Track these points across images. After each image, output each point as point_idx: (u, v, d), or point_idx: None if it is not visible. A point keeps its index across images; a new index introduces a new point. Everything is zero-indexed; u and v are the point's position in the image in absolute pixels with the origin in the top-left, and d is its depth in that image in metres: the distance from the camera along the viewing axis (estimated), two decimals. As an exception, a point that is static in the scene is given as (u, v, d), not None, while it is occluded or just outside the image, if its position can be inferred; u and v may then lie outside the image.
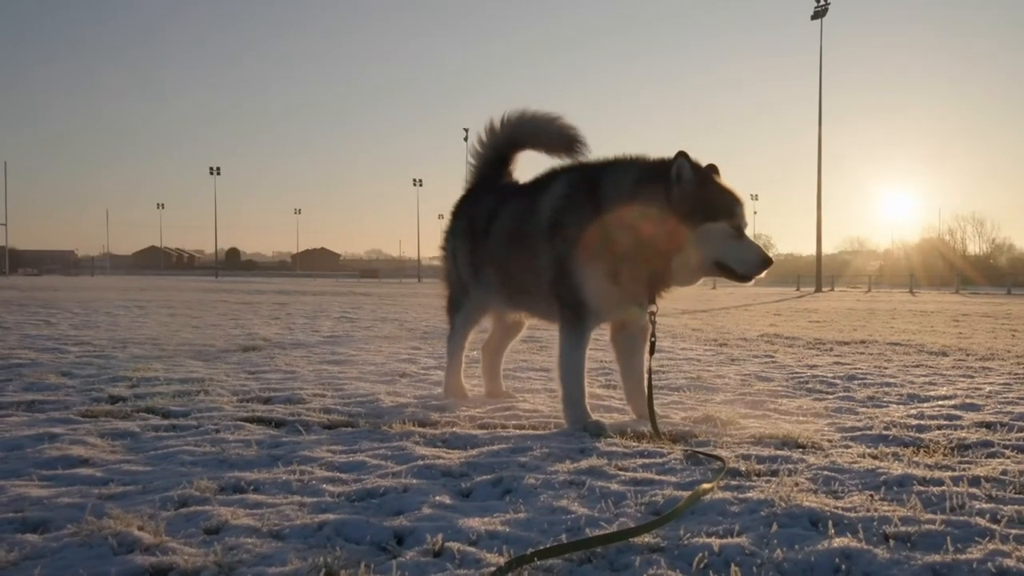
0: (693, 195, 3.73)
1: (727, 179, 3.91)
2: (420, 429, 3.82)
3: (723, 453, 3.40)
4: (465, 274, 4.64)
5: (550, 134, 4.64)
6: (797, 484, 2.91)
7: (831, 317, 16.22)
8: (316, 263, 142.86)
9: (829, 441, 3.72)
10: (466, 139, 71.24)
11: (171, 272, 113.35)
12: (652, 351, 4.03)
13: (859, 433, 3.91)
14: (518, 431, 3.89)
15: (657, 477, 3.02)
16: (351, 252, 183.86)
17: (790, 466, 3.19)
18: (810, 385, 5.65)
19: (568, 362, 4.00)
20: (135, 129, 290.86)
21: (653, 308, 3.94)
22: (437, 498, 2.69)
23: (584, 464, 3.15)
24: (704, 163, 3.85)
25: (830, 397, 5.13)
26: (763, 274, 3.83)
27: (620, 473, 3.05)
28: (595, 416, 4.07)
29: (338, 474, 3.00)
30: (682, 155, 3.75)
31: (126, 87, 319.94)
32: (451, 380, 4.88)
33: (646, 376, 4.13)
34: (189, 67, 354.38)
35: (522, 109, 4.69)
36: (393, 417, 4.12)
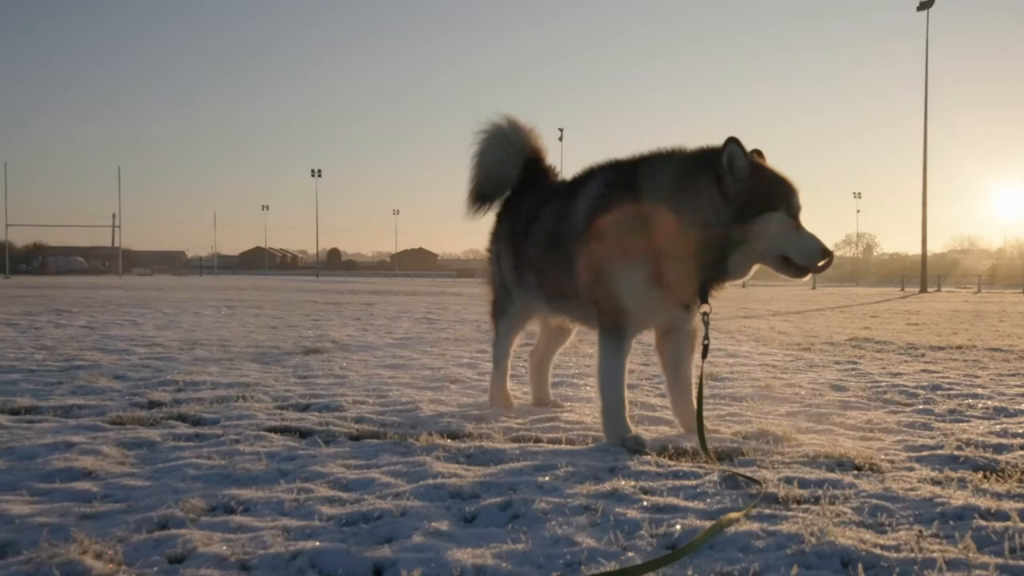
0: (749, 184, 3.48)
1: (779, 165, 3.66)
2: (447, 442, 3.62)
3: (766, 475, 3.11)
4: (509, 278, 4.44)
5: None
6: (838, 515, 2.62)
7: (932, 320, 15.45)
8: (415, 263, 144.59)
9: (891, 462, 3.39)
10: (561, 139, 71.06)
11: (275, 272, 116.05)
12: (705, 354, 3.75)
13: (928, 453, 3.56)
14: (552, 446, 3.66)
15: (683, 503, 2.76)
16: (449, 252, 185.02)
17: (837, 492, 2.88)
18: (888, 395, 5.26)
19: (607, 372, 3.75)
20: (240, 132, 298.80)
21: (706, 308, 3.67)
22: (434, 524, 2.49)
23: (607, 486, 2.91)
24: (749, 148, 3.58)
25: (907, 410, 4.75)
26: (821, 265, 3.56)
27: (644, 497, 2.80)
28: (640, 429, 3.83)
29: (340, 493, 2.82)
30: (733, 141, 3.49)
31: (231, 91, 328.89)
32: (496, 388, 4.68)
33: (696, 384, 3.88)
34: (291, 71, 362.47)
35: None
36: (425, 428, 3.94)
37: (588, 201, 3.79)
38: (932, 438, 3.90)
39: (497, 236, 4.55)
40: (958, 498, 2.80)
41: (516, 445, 3.62)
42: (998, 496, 2.88)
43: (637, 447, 3.55)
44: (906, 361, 7.59)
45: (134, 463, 3.22)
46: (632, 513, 2.62)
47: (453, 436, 3.80)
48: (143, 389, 5.01)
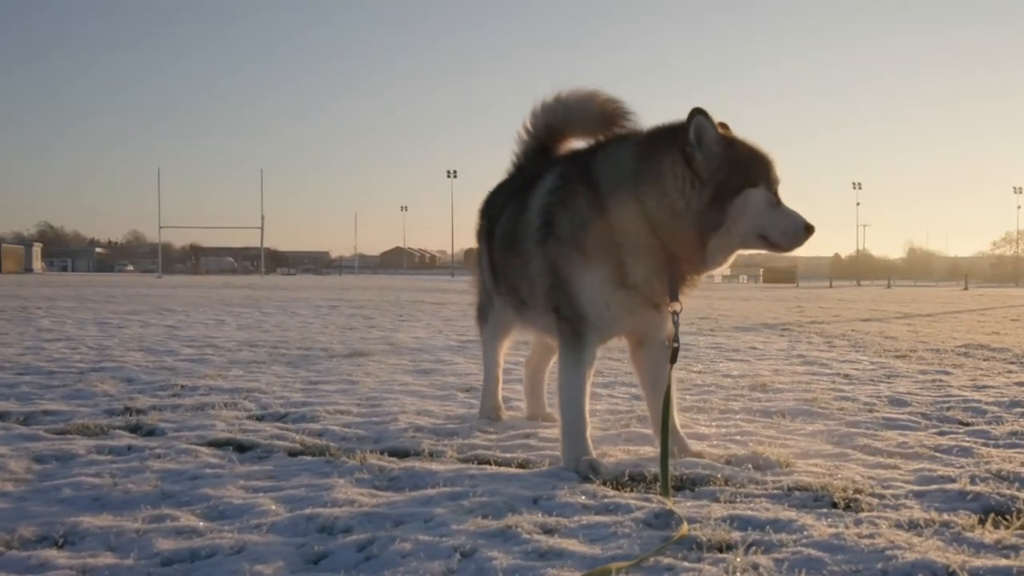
0: (724, 159, 3.06)
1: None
2: (382, 462, 3.28)
3: (713, 511, 2.65)
4: (488, 281, 4.07)
5: (586, 114, 3.93)
6: (747, 570, 2.16)
7: (1076, 324, 14.10)
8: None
9: (878, 498, 2.87)
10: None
11: (413, 272, 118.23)
12: (674, 359, 3.31)
13: (935, 487, 3.01)
14: (496, 468, 3.28)
15: (576, 547, 2.34)
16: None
17: (776, 537, 2.41)
18: (950, 413, 4.63)
19: (567, 388, 3.34)
20: (379, 135, 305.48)
21: (676, 306, 3.23)
22: (259, 566, 2.16)
23: (503, 522, 2.51)
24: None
25: (960, 431, 4.14)
26: (805, 244, 3.16)
27: (535, 539, 2.39)
28: (619, 450, 3.43)
29: (200, 523, 2.51)
30: (700, 112, 3.07)
31: (370, 95, 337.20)
32: (485, 399, 4.33)
33: (673, 394, 3.47)
34: (428, 73, 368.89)
35: (559, 90, 3.99)
36: (378, 444, 3.64)
37: (542, 197, 3.39)
38: (959, 467, 3.33)
39: (478, 234, 4.18)
40: (919, 550, 2.29)
41: (457, 467, 3.25)
42: (976, 548, 2.35)
43: (590, 472, 3.14)
44: (1009, 372, 6.79)
45: (25, 480, 3.00)
46: (503, 560, 2.22)
47: (399, 454, 3.48)
48: (136, 395, 4.87)
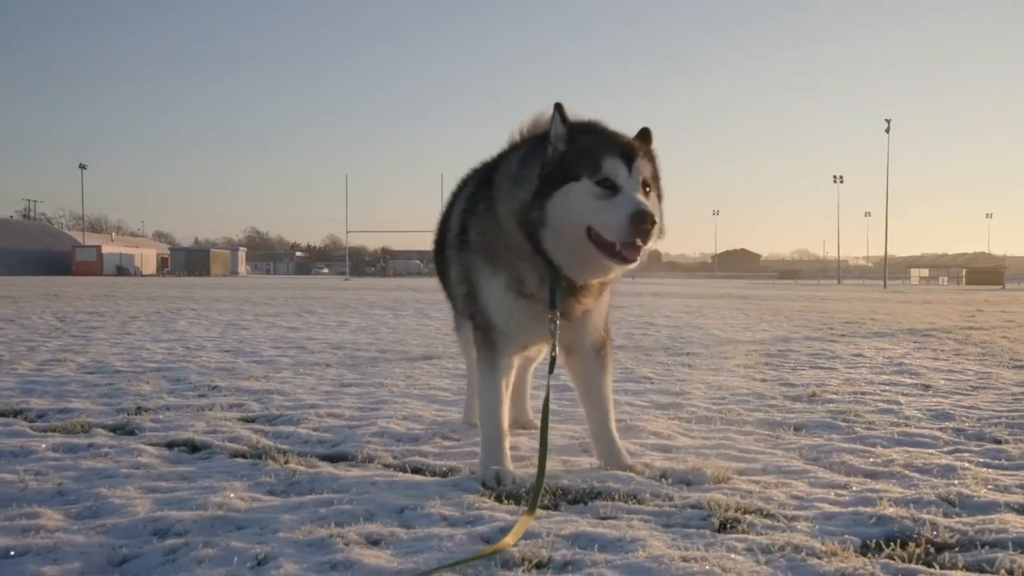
0: (560, 153, 2.90)
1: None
2: (300, 466, 3.31)
3: (573, 526, 2.54)
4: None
5: None
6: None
7: None
8: (736, 264, 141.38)
9: (770, 519, 2.69)
10: (887, 130, 66.31)
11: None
12: (551, 369, 3.15)
13: (850, 510, 2.78)
14: (412, 475, 3.25)
15: (374, 560, 2.27)
16: (775, 252, 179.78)
17: (597, 557, 2.30)
18: (990, 431, 4.23)
19: (483, 397, 3.27)
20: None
21: (553, 315, 3.05)
22: (48, 567, 2.21)
23: (329, 532, 2.47)
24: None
25: (976, 451, 3.81)
26: (650, 243, 2.81)
27: (345, 550, 2.33)
28: (559, 461, 3.32)
29: (58, 522, 2.59)
30: (556, 107, 2.93)
31: (549, 98, 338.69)
32: (467, 406, 4.31)
33: (610, 404, 3.41)
34: (620, 78, 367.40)
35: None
36: (329, 448, 3.71)
37: (460, 204, 3.34)
38: (914, 488, 3.07)
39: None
40: (728, 580, 2.12)
41: (368, 473, 3.23)
42: (802, 581, 2.15)
43: (493, 484, 3.06)
44: None
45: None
46: (288, 569, 2.19)
47: (336, 459, 3.51)
48: (164, 395, 5.08)
